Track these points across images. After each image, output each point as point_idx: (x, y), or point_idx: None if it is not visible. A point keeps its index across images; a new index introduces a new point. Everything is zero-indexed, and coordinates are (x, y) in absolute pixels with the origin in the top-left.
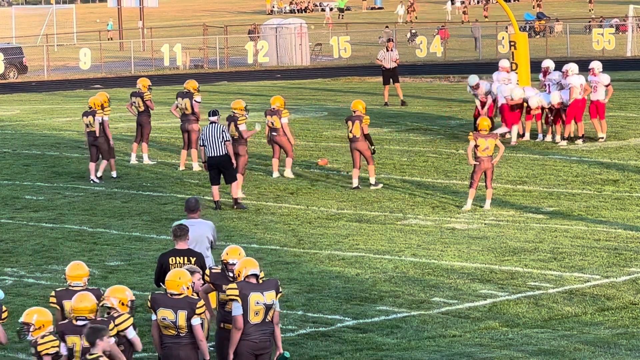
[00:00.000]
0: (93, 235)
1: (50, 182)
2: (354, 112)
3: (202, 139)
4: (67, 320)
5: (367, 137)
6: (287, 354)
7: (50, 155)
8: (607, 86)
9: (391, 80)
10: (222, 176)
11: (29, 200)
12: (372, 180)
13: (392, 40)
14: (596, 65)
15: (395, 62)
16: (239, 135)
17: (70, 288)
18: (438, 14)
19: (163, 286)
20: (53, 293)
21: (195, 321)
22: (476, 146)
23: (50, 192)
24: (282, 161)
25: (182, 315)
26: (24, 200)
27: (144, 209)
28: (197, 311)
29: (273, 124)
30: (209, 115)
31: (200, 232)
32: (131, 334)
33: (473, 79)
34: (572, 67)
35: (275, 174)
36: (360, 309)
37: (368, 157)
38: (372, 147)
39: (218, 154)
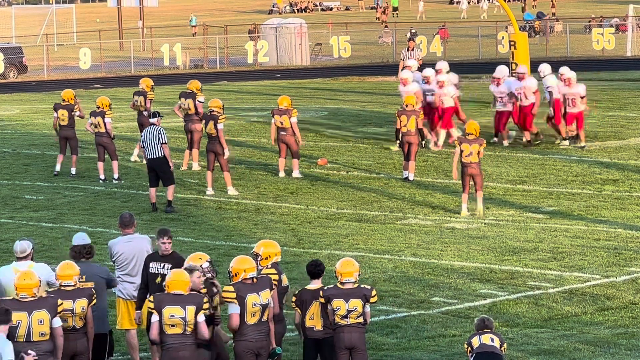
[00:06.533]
0: (93, 235)
1: (50, 182)
2: (406, 106)
3: (142, 141)
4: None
5: (420, 131)
6: (279, 350)
7: (50, 155)
8: (582, 98)
9: None
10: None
11: (28, 200)
12: (411, 177)
13: (413, 40)
14: (572, 75)
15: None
16: (217, 133)
17: (62, 288)
18: (444, 13)
19: None
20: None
21: (201, 317)
22: (461, 151)
23: (50, 191)
24: (288, 162)
25: (191, 310)
26: (23, 200)
27: (144, 209)
28: (204, 306)
29: (282, 124)
30: (150, 117)
31: (139, 247)
32: None
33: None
34: (543, 69)
35: (282, 174)
36: None
37: (413, 152)
38: (423, 141)
39: (155, 157)
